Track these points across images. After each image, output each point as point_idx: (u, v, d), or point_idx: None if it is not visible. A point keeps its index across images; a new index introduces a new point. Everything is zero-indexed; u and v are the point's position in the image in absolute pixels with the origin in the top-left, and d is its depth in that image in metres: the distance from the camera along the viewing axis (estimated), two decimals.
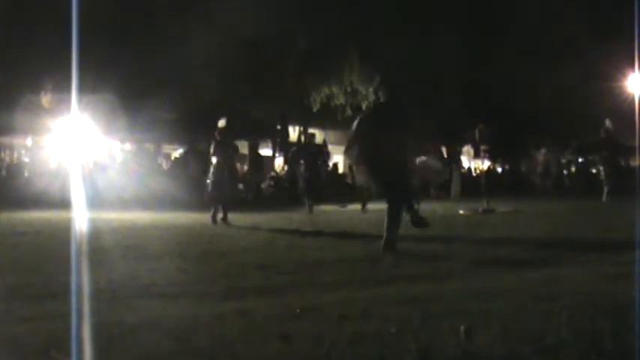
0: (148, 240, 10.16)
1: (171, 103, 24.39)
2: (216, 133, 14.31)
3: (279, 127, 29.48)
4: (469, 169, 31.16)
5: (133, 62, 23.40)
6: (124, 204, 16.69)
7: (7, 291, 6.02)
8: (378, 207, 10.51)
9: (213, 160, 14.08)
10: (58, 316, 4.75)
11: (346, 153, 9.28)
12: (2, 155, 23.47)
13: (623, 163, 20.60)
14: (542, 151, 31.97)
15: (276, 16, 24.16)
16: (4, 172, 22.23)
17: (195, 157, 20.89)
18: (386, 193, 8.74)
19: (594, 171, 19.70)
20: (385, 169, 8.66)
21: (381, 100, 9.39)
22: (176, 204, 15.83)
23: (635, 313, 4.45)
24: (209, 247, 9.32)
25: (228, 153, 14.28)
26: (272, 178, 25.08)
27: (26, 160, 23.06)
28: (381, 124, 8.82)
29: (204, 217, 14.46)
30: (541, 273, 6.74)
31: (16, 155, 23.50)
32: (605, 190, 18.37)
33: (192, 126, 22.74)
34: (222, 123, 14.29)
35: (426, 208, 9.69)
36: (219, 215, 13.80)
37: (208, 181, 14.12)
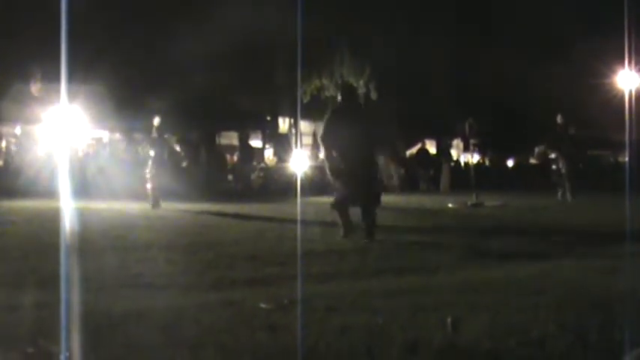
0: (136, 230, 10.14)
1: (162, 93, 24.31)
2: (153, 130, 15.14)
3: (268, 118, 29.45)
4: (458, 162, 31.19)
5: (123, 52, 23.33)
6: (113, 194, 16.63)
7: None
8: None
9: (151, 154, 15.08)
10: (45, 305, 4.73)
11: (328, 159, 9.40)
12: None
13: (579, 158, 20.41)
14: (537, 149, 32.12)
15: (267, 7, 24.10)
16: None
17: (185, 146, 20.83)
18: (361, 193, 8.94)
19: (554, 167, 19.38)
20: (361, 171, 8.92)
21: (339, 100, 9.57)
22: (165, 194, 15.79)
23: (621, 308, 4.49)
24: (198, 237, 9.30)
25: (163, 148, 15.37)
26: (261, 169, 25.03)
27: (15, 149, 22.93)
28: (348, 125, 8.99)
29: (193, 207, 14.54)
30: (529, 267, 6.76)
31: (4, 144, 23.34)
32: (561, 188, 18.15)
33: (182, 116, 22.68)
34: (157, 121, 15.08)
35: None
36: (152, 202, 14.85)
37: (148, 173, 15.07)
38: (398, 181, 25.94)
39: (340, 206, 9.10)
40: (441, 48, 27.80)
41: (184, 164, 16.80)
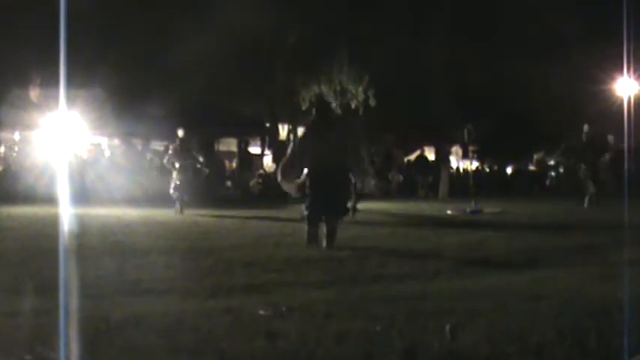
0: (135, 236, 10.13)
1: (161, 99, 24.33)
2: (177, 141, 15.78)
3: (268, 124, 29.45)
4: (457, 169, 31.21)
5: (122, 58, 23.33)
6: (112, 200, 16.63)
7: None
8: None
9: (176, 164, 15.53)
10: (44, 311, 4.73)
11: (284, 177, 9.73)
12: None
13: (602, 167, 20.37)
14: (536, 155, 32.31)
15: (266, 14, 24.14)
16: None
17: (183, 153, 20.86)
18: (328, 206, 9.12)
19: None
20: (330, 184, 9.09)
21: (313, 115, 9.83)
22: (164, 200, 15.81)
23: (620, 314, 4.49)
24: (196, 244, 9.30)
25: (188, 159, 15.70)
26: (260, 175, 25.03)
27: (14, 155, 22.92)
28: (320, 141, 9.24)
29: (192, 214, 14.53)
30: (527, 274, 6.76)
31: (3, 150, 23.33)
32: (587, 195, 18.06)
33: (181, 122, 22.69)
34: (181, 133, 15.78)
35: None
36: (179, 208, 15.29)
37: (177, 182, 15.48)
38: (395, 187, 25.99)
39: (312, 217, 9.24)
40: (441, 54, 27.83)
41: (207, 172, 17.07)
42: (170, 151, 15.99)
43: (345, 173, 9.63)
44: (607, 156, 20.05)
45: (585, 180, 18.26)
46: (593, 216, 14.34)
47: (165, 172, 16.79)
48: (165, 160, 15.95)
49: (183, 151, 15.63)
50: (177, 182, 15.39)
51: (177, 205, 15.32)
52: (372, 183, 23.46)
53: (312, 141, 9.37)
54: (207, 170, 16.79)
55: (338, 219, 9.22)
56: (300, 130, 21.31)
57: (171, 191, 15.50)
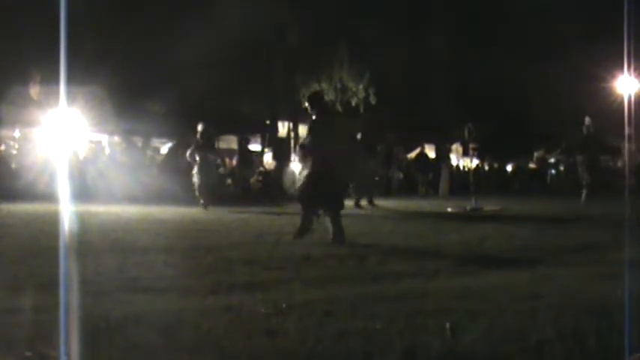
0: (135, 234, 10.12)
1: (161, 96, 24.34)
2: (198, 137, 15.98)
3: (268, 122, 29.47)
4: (458, 166, 31.23)
5: (122, 55, 23.35)
6: (112, 197, 16.62)
7: None
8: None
9: (197, 158, 15.75)
10: (44, 309, 4.73)
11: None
12: None
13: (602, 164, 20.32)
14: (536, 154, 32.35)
15: (266, 11, 24.15)
16: None
17: (184, 151, 20.85)
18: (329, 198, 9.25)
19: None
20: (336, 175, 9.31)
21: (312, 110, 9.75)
22: (165, 198, 15.81)
23: (619, 313, 4.49)
24: (196, 241, 9.29)
25: (208, 153, 16.05)
26: (260, 173, 25.02)
27: (14, 152, 22.90)
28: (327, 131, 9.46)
29: (192, 212, 14.54)
30: (527, 272, 6.76)
31: (3, 147, 23.32)
32: (584, 191, 18.03)
33: (181, 120, 22.70)
34: (201, 127, 15.99)
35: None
36: (203, 204, 15.55)
37: (195, 178, 15.79)
38: (396, 185, 26.00)
39: (308, 204, 9.42)
40: (441, 53, 27.87)
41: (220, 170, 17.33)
42: (192, 146, 16.11)
43: (352, 163, 9.66)
44: (627, 146, 19.97)
45: (583, 173, 18.22)
46: (594, 213, 14.32)
47: (165, 171, 16.81)
48: (187, 154, 15.98)
49: (205, 145, 15.87)
50: (199, 180, 15.60)
51: (201, 202, 15.55)
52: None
53: (318, 135, 9.44)
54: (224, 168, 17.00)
55: (338, 210, 9.27)
56: (303, 128, 21.35)
57: (196, 190, 15.75)
